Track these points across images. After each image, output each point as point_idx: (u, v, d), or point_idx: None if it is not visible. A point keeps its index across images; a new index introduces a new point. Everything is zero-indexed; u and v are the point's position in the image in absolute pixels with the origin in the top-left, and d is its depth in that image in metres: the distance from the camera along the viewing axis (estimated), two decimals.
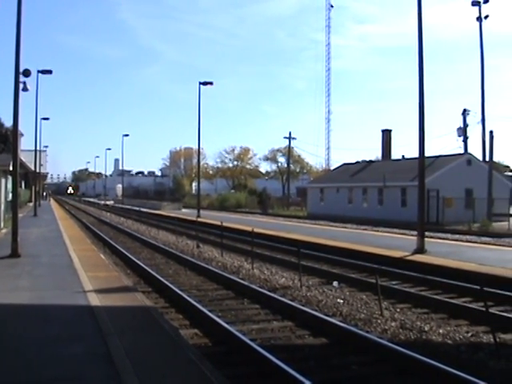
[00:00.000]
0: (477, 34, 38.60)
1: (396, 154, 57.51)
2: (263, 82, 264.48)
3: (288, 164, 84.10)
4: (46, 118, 52.31)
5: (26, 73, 24.65)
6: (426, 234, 20.41)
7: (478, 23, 38.42)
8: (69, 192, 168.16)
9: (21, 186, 50.66)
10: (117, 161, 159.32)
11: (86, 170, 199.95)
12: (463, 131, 46.42)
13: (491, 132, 40.08)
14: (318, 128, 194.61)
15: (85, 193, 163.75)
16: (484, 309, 8.51)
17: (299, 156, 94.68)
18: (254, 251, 18.27)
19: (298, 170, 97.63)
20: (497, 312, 10.09)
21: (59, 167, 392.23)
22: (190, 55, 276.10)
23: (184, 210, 60.59)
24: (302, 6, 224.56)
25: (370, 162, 59.13)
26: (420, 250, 18.24)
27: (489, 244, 22.54)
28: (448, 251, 18.43)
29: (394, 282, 14.15)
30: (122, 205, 77.35)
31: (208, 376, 5.60)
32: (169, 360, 6.13)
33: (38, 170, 50.39)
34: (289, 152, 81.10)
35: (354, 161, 61.27)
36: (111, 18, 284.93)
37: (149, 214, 51.70)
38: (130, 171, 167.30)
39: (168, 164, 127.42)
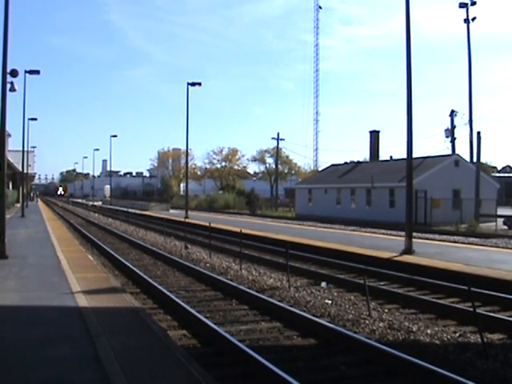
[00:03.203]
0: (465, 36, 38.99)
1: (384, 155, 57.93)
2: (251, 83, 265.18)
3: (276, 165, 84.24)
4: (34, 119, 52.26)
5: (14, 73, 24.58)
6: (414, 234, 20.51)
7: (465, 25, 38.81)
8: (59, 193, 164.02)
9: (8, 187, 50.27)
10: (105, 161, 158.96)
11: (74, 170, 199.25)
12: (451, 132, 46.69)
13: (479, 133, 40.34)
14: (306, 129, 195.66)
15: (73, 194, 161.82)
16: (471, 309, 8.56)
17: (287, 157, 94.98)
18: (243, 252, 18.27)
19: (286, 170, 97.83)
20: (484, 312, 10.16)
21: (47, 168, 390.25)
22: (179, 56, 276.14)
23: (172, 211, 60.47)
24: (289, 8, 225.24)
25: (358, 162, 59.48)
26: (408, 250, 18.30)
27: (476, 245, 22.67)
28: (436, 252, 18.52)
29: (382, 283, 14.20)
30: (110, 205, 77.05)
31: (197, 377, 5.59)
32: (158, 361, 6.11)
33: (25, 171, 50.10)
34: (277, 153, 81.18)
35: (342, 162, 61.63)
36: (99, 19, 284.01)
37: (137, 214, 51.51)
38: (118, 172, 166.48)
39: (156, 165, 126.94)
